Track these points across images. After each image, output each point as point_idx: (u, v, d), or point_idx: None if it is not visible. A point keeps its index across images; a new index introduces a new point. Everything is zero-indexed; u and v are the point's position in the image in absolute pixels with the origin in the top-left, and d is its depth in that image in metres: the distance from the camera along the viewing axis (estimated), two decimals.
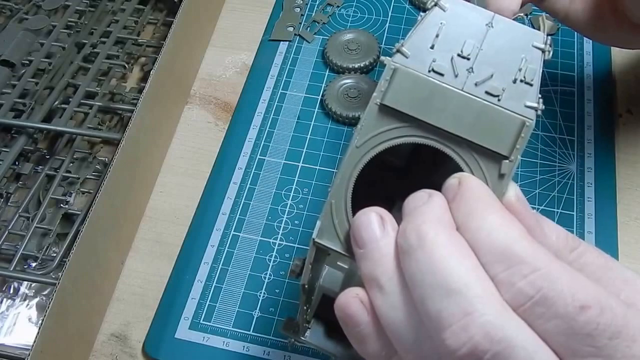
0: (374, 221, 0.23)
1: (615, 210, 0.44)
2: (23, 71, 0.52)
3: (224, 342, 0.40)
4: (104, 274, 0.43)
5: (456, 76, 0.24)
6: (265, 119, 0.50)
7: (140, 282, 0.44)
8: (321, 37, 0.55)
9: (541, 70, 0.25)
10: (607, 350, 0.19)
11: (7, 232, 0.44)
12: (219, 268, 0.43)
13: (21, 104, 0.50)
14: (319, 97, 0.51)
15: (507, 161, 0.24)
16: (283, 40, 0.55)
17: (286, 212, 0.46)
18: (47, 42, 0.54)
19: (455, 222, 0.22)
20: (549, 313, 0.20)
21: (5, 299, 0.43)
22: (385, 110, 0.25)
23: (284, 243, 0.44)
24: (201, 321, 0.41)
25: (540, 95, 0.24)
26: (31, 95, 0.51)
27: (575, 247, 0.23)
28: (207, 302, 0.42)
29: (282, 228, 0.45)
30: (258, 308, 0.42)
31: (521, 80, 0.24)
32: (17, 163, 0.48)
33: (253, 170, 0.48)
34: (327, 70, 0.53)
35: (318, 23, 0.56)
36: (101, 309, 0.43)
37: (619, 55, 0.53)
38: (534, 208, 0.45)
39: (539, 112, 0.24)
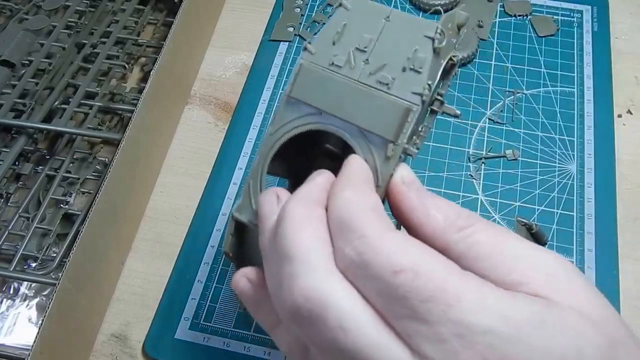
0: (271, 199, 0.26)
1: (615, 210, 0.44)
2: (23, 71, 0.52)
3: (224, 342, 0.40)
4: (104, 274, 0.43)
5: (352, 68, 0.27)
6: (266, 120, 0.50)
7: (140, 282, 0.44)
8: None
9: (432, 58, 0.26)
10: (421, 312, 0.20)
11: (7, 232, 0.44)
12: (219, 268, 0.43)
13: (21, 104, 0.50)
14: None
15: (392, 144, 0.26)
16: (283, 41, 0.55)
17: None
18: (47, 43, 0.54)
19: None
20: (368, 276, 0.22)
21: (5, 299, 0.43)
22: (293, 102, 0.27)
23: None
24: (201, 321, 0.41)
25: (429, 82, 0.26)
26: (31, 96, 0.51)
27: (464, 227, 0.24)
28: (207, 303, 0.42)
29: None
30: None
31: (410, 69, 0.26)
32: (17, 163, 0.48)
33: None
34: None
35: (318, 23, 0.56)
36: (101, 309, 0.43)
37: (619, 56, 0.53)
38: (533, 208, 0.45)
39: (424, 98, 0.26)
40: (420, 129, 0.29)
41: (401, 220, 0.25)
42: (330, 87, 0.27)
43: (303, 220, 0.23)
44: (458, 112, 0.29)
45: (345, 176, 0.25)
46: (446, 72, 0.29)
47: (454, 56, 0.28)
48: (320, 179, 0.25)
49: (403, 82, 0.26)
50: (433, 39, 0.26)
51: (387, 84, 0.26)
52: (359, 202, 0.23)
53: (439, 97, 0.29)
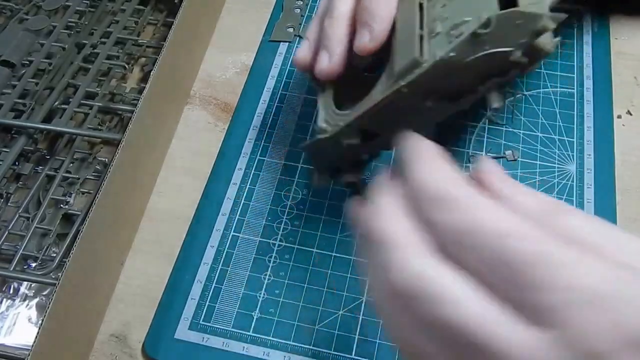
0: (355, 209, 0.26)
1: (615, 211, 0.44)
2: (23, 71, 0.52)
3: (223, 342, 0.40)
4: (104, 274, 0.43)
5: (433, 6, 0.30)
6: (265, 120, 0.50)
7: (140, 282, 0.44)
8: None
9: (469, 38, 0.26)
10: (529, 278, 0.18)
11: (7, 232, 0.44)
12: (219, 268, 0.43)
13: (21, 104, 0.50)
14: None
15: (392, 81, 0.29)
16: (283, 41, 0.55)
17: (286, 212, 0.46)
18: (47, 43, 0.54)
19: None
20: (473, 244, 0.20)
21: (5, 299, 0.43)
22: None
23: (284, 244, 0.44)
24: (201, 322, 0.41)
25: (452, 54, 0.27)
26: (31, 96, 0.51)
27: (553, 213, 0.21)
28: (207, 303, 0.42)
29: (281, 229, 0.45)
30: (258, 309, 0.42)
31: (452, 33, 0.28)
32: (17, 163, 0.48)
33: (253, 171, 0.48)
34: None
35: None
36: (101, 309, 0.43)
37: (619, 56, 0.53)
38: None
39: (432, 63, 0.27)
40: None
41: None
42: (405, 13, 0.30)
43: (390, 203, 0.23)
44: (494, 118, 0.30)
45: (412, 153, 0.24)
46: (505, 69, 0.27)
47: (513, 55, 0.26)
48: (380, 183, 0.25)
49: (440, 40, 0.28)
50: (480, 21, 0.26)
51: (433, 34, 0.28)
52: (439, 173, 0.22)
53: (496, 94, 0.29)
